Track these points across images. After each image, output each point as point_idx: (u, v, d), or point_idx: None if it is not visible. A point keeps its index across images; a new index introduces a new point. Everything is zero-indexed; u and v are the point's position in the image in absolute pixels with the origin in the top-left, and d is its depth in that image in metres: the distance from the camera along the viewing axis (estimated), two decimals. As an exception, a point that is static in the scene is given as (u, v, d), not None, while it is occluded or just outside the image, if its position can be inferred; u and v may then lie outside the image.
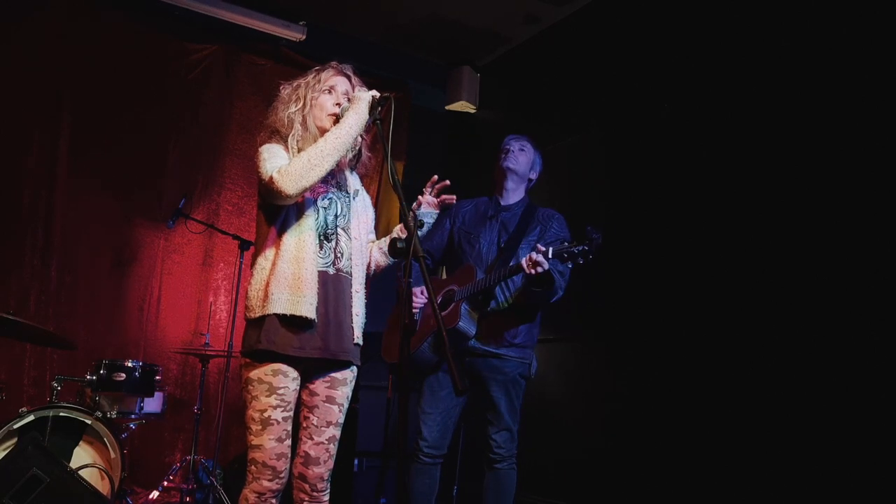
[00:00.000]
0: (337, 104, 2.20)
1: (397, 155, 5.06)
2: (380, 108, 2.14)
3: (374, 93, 2.17)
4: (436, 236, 3.17)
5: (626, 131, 3.93)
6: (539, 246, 2.70)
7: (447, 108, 5.28)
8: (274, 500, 2.10)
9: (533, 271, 2.67)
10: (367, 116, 2.12)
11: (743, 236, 3.18)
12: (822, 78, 2.99)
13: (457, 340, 2.91)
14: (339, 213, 2.23)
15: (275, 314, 2.06)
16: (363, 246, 2.30)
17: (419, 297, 2.98)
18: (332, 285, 2.15)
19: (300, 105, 2.20)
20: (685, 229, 3.44)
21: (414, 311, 2.94)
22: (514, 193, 3.16)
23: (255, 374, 2.08)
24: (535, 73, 4.74)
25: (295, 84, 2.25)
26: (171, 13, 4.40)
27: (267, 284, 2.09)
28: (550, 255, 2.68)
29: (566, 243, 2.70)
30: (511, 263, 2.85)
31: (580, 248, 2.65)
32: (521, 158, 3.14)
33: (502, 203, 3.15)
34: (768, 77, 3.20)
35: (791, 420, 2.89)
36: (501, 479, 2.98)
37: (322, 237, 2.17)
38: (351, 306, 2.20)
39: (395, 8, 4.61)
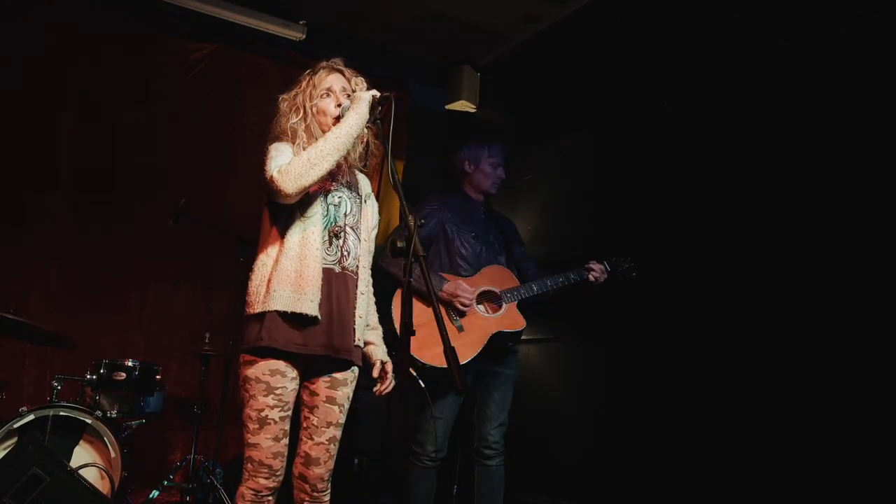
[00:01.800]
0: (338, 105, 2.20)
1: (397, 154, 5.06)
2: (380, 108, 2.14)
3: (375, 92, 2.17)
4: (424, 229, 3.17)
5: (626, 131, 3.92)
6: (593, 261, 3.16)
7: (447, 107, 5.27)
8: (271, 498, 2.10)
9: (598, 283, 3.12)
10: (368, 116, 2.12)
11: (742, 237, 3.18)
12: (822, 79, 2.98)
13: (511, 340, 3.06)
14: (348, 212, 2.23)
15: (276, 311, 2.06)
16: (370, 249, 2.31)
17: (466, 295, 2.96)
18: (337, 283, 2.15)
19: (301, 115, 2.20)
20: (685, 229, 3.44)
21: (464, 309, 2.96)
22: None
23: (252, 372, 2.07)
24: (535, 73, 4.74)
25: (292, 93, 2.25)
26: (171, 12, 4.39)
27: (269, 280, 2.08)
28: (610, 269, 3.17)
29: (616, 259, 3.21)
30: (568, 273, 3.13)
31: (627, 266, 3.21)
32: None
33: (480, 206, 3.27)
34: (769, 77, 3.19)
35: (789, 417, 2.88)
36: (494, 476, 3.01)
37: (330, 234, 2.17)
38: (355, 307, 2.20)
39: (395, 7, 4.60)
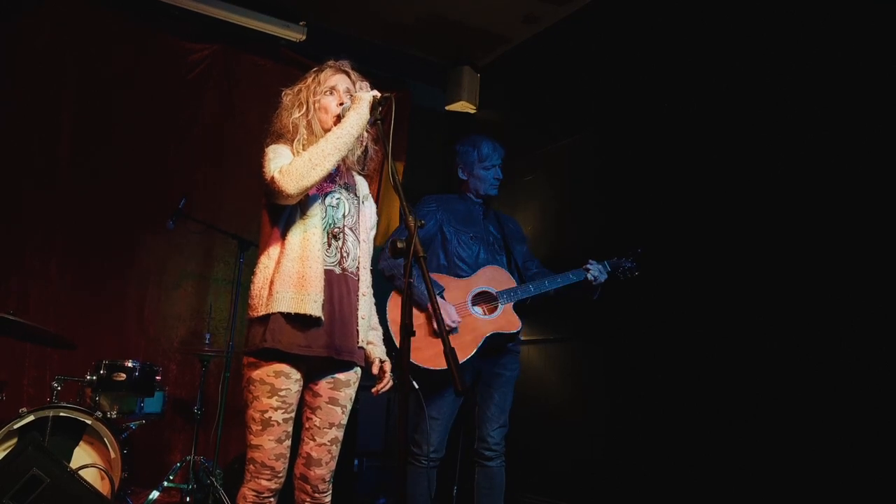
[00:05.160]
0: (340, 104, 2.20)
1: (397, 155, 5.06)
2: (380, 108, 2.14)
3: (375, 93, 2.17)
4: (422, 230, 3.15)
5: (626, 131, 3.93)
6: (592, 261, 3.12)
7: (447, 108, 5.28)
8: (272, 500, 2.10)
9: (596, 282, 3.10)
10: (368, 116, 2.12)
11: (743, 237, 3.18)
12: (822, 78, 2.99)
13: (507, 341, 3.05)
14: (347, 213, 2.23)
15: (279, 312, 2.06)
16: (370, 250, 2.31)
17: (452, 317, 2.94)
18: (338, 285, 2.15)
19: (304, 110, 2.21)
20: (684, 230, 3.44)
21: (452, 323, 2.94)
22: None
23: (257, 374, 2.07)
24: (535, 73, 4.74)
25: (296, 89, 2.26)
26: (171, 13, 4.40)
27: (271, 283, 2.09)
28: (609, 269, 3.14)
29: (617, 259, 3.17)
30: (567, 273, 3.10)
31: (629, 265, 3.17)
32: None
33: (479, 206, 3.25)
34: (769, 76, 3.20)
35: (790, 419, 2.89)
36: (495, 477, 3.01)
37: (330, 235, 2.17)
38: (357, 308, 2.21)
39: (396, 8, 4.61)
